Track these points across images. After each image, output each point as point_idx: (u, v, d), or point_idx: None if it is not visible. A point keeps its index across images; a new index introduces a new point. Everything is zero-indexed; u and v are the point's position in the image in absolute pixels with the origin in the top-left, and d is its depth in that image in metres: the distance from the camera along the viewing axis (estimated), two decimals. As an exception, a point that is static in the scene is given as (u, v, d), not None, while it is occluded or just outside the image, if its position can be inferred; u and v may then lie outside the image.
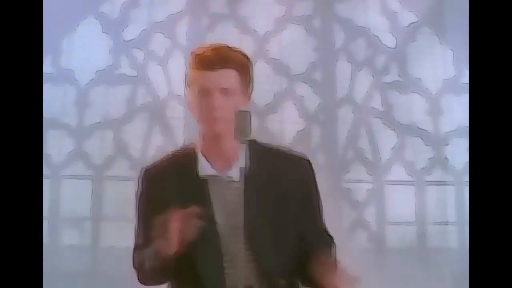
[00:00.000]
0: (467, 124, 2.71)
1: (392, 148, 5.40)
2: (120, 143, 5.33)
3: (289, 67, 5.43)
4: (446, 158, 5.40)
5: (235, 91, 2.50)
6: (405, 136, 5.42)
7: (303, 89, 5.45)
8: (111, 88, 5.39)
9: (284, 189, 2.51)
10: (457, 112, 5.38)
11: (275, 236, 2.48)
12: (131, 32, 5.44)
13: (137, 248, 2.57)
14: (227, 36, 5.28)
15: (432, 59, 5.51)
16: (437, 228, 5.37)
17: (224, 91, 2.47)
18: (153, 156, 5.28)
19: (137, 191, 2.60)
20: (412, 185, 5.41)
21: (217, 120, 2.46)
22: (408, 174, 5.41)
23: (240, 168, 2.48)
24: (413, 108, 5.47)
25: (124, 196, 5.29)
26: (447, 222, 5.36)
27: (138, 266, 2.55)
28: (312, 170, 2.61)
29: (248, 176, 2.49)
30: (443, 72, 5.50)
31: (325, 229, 2.61)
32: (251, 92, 2.58)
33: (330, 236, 2.60)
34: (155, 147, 5.32)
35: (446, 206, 5.39)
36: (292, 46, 5.47)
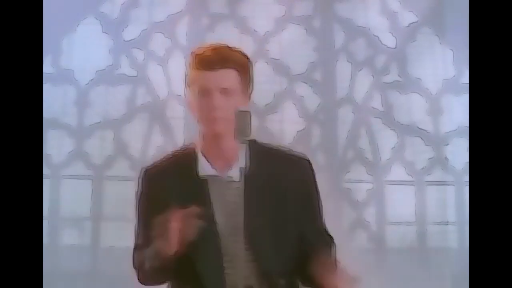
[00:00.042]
0: (467, 124, 2.71)
1: (392, 148, 5.40)
2: (120, 143, 5.33)
3: (289, 67, 5.43)
4: (446, 158, 5.40)
5: (235, 91, 2.50)
6: (405, 136, 5.42)
7: (303, 89, 5.45)
8: (111, 88, 5.39)
9: (284, 189, 2.51)
10: (457, 112, 5.37)
11: (275, 236, 2.47)
12: (131, 32, 5.44)
13: (137, 248, 2.57)
14: (227, 36, 5.28)
15: (432, 59, 5.51)
16: (437, 228, 5.37)
17: (224, 91, 2.47)
18: (153, 156, 5.28)
19: (137, 191, 2.60)
20: (412, 185, 5.41)
21: (217, 120, 2.46)
22: (408, 174, 5.41)
23: (240, 168, 2.48)
24: (413, 108, 5.46)
25: (124, 196, 5.29)
26: (447, 222, 5.36)
27: (138, 266, 2.55)
28: (312, 170, 2.61)
29: (248, 176, 2.49)
30: (443, 72, 5.50)
31: (325, 229, 2.61)
32: (251, 92, 2.58)
33: (330, 236, 2.60)
34: (155, 147, 5.32)
35: (446, 206, 5.39)
36: (292, 46, 5.47)
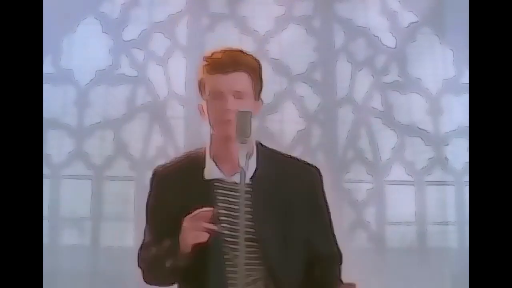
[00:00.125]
0: (467, 124, 2.71)
1: (392, 148, 5.40)
2: (120, 143, 5.33)
3: (289, 67, 5.43)
4: (446, 158, 5.40)
5: (247, 94, 2.53)
6: (405, 136, 5.41)
7: (303, 89, 5.44)
8: (111, 88, 5.39)
9: (291, 195, 2.52)
10: (457, 112, 5.37)
11: (282, 240, 2.47)
12: (131, 32, 5.44)
13: (143, 247, 2.58)
14: (227, 36, 5.29)
15: (432, 59, 5.51)
16: (437, 228, 5.37)
17: (237, 94, 2.50)
18: (153, 156, 5.30)
19: (149, 192, 2.62)
20: (412, 185, 5.40)
21: (230, 122, 2.47)
22: (408, 174, 5.41)
23: (242, 170, 2.46)
24: (413, 108, 5.46)
25: (124, 196, 5.31)
26: (447, 222, 5.36)
27: (144, 266, 2.55)
28: (321, 178, 2.61)
29: (256, 180, 2.49)
30: (443, 72, 5.50)
31: (333, 241, 2.59)
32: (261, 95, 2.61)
33: (338, 249, 2.59)
34: (155, 147, 5.32)
35: (446, 206, 5.39)
36: (292, 46, 5.47)
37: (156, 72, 5.40)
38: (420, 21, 5.51)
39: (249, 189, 2.45)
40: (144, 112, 5.37)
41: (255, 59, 2.59)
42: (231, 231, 2.46)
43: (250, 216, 2.45)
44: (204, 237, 2.38)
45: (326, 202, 2.62)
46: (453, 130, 5.39)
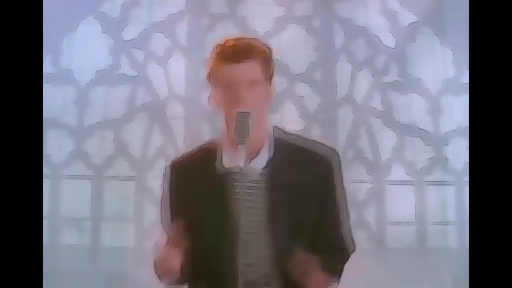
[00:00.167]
0: (467, 124, 2.71)
1: (392, 148, 5.41)
2: (120, 143, 5.34)
3: (289, 67, 5.43)
4: (446, 158, 5.41)
5: (260, 82, 2.52)
6: (405, 136, 5.42)
7: (303, 89, 5.45)
8: (111, 88, 5.40)
9: (303, 186, 2.51)
10: (457, 112, 5.38)
11: (290, 231, 2.47)
12: (131, 32, 5.44)
13: (157, 244, 2.57)
14: (227, 36, 5.28)
15: (432, 59, 5.51)
16: (437, 228, 5.37)
17: (251, 82, 2.49)
18: (153, 156, 5.30)
19: (167, 185, 2.62)
20: (412, 185, 5.41)
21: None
22: (408, 174, 5.42)
23: (241, 170, 2.45)
24: (413, 108, 5.47)
25: (124, 196, 5.31)
26: (447, 222, 5.36)
27: (154, 263, 2.56)
28: (335, 163, 2.60)
29: (269, 170, 2.49)
30: (443, 72, 5.50)
31: (341, 235, 2.55)
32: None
33: (344, 244, 2.56)
34: (155, 147, 5.32)
35: (446, 206, 5.39)
36: (292, 46, 5.47)
37: (156, 72, 5.40)
38: (420, 21, 5.52)
39: (260, 181, 2.46)
40: (144, 112, 5.37)
41: (267, 46, 2.58)
42: (247, 222, 2.45)
43: (259, 207, 2.46)
44: (176, 266, 2.40)
45: (341, 192, 2.59)
46: (453, 130, 5.40)
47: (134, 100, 5.38)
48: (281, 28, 5.48)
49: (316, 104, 5.43)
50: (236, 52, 2.49)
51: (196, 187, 2.52)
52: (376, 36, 5.50)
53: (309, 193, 2.52)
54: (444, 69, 5.51)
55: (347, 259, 2.56)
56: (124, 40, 5.43)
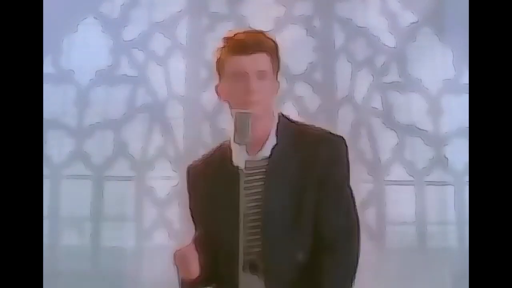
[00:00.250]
0: (467, 124, 2.71)
1: (392, 148, 5.40)
2: (120, 143, 5.33)
3: (289, 67, 5.43)
4: (446, 158, 5.40)
5: (268, 74, 2.54)
6: (405, 136, 5.41)
7: (303, 89, 5.44)
8: (111, 88, 5.39)
9: (306, 174, 2.50)
10: (457, 112, 5.37)
11: (290, 219, 2.47)
12: (131, 32, 5.44)
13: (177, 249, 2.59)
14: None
15: (432, 59, 5.51)
16: (437, 228, 5.37)
17: (260, 74, 2.50)
18: (153, 156, 5.30)
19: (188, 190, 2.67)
20: (412, 185, 5.40)
21: (254, 103, 2.48)
22: (408, 174, 5.41)
23: (241, 171, 2.44)
24: (413, 108, 5.46)
25: (124, 196, 5.31)
26: (447, 222, 5.36)
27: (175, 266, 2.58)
28: (341, 149, 2.56)
29: (273, 158, 2.50)
30: (443, 72, 5.49)
31: (337, 226, 2.51)
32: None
33: (343, 238, 2.52)
34: (155, 147, 5.32)
35: (446, 206, 5.39)
36: (292, 46, 5.46)
37: (156, 72, 5.40)
38: (420, 21, 5.51)
39: (263, 167, 2.48)
40: (144, 112, 5.37)
41: (274, 41, 2.60)
42: (255, 215, 2.46)
43: (260, 196, 2.47)
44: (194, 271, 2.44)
45: (344, 176, 2.55)
46: (453, 130, 5.39)
47: (134, 100, 5.38)
48: (281, 28, 5.47)
49: (316, 104, 5.43)
50: (246, 44, 2.51)
51: (209, 186, 2.56)
52: (376, 36, 5.49)
53: (310, 176, 2.50)
54: (444, 69, 5.50)
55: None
56: (124, 40, 5.43)
